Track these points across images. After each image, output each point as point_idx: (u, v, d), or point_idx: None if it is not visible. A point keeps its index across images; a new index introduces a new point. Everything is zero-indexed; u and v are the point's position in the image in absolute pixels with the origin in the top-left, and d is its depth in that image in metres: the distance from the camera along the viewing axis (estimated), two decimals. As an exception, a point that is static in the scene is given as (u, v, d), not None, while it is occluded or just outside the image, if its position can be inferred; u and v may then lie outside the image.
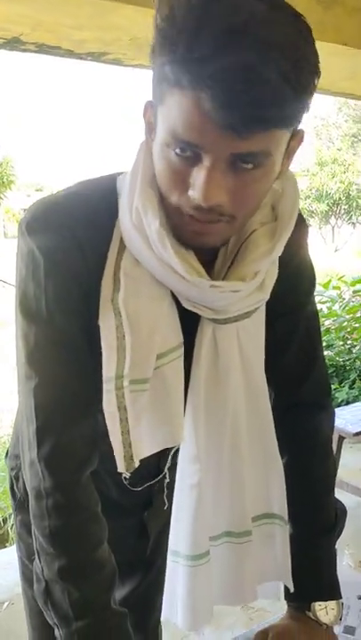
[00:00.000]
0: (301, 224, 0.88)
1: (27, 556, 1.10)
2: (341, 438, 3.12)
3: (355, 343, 5.06)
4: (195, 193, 0.69)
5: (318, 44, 2.45)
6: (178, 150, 0.69)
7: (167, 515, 1.08)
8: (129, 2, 2.17)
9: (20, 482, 1.08)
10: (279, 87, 0.64)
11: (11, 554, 2.75)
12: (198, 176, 0.68)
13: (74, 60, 2.94)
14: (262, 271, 0.81)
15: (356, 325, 5.03)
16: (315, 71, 0.69)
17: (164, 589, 0.92)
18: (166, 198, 0.74)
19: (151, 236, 0.76)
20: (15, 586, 2.43)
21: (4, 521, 3.20)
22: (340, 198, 24.21)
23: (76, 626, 0.76)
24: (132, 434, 0.79)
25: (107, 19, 2.32)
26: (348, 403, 4.30)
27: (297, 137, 0.75)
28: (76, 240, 0.79)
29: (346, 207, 24.82)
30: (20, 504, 1.08)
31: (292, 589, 0.92)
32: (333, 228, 27.06)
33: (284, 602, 0.97)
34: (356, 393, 4.53)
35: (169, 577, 0.91)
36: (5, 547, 3.14)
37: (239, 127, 0.64)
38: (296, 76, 0.65)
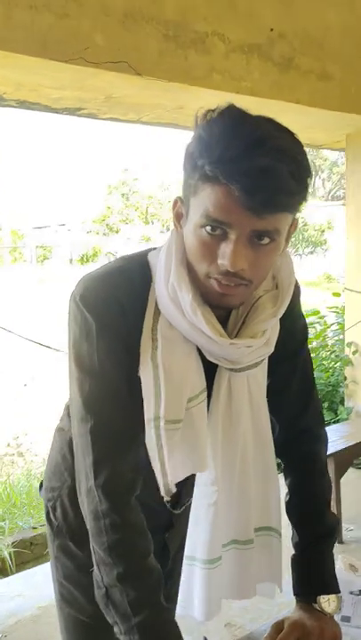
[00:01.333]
0: (296, 287, 1.09)
1: (63, 577, 1.22)
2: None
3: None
4: (224, 261, 0.88)
5: (275, 103, 2.73)
6: (209, 229, 0.88)
7: (183, 535, 1.26)
8: (110, 68, 2.38)
9: (57, 511, 1.21)
10: (288, 182, 0.86)
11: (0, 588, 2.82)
12: (226, 248, 0.87)
13: (49, 114, 3.13)
14: (268, 330, 1.00)
15: (312, 356, 5.30)
16: (309, 172, 0.90)
17: (180, 589, 1.08)
18: (197, 270, 0.93)
19: (184, 306, 0.94)
20: (8, 618, 2.50)
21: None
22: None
23: (134, 621, 0.91)
24: (168, 463, 0.97)
25: (87, 82, 2.53)
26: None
27: (294, 223, 0.97)
28: (120, 307, 0.97)
29: (293, 240, 25.65)
30: (58, 530, 1.21)
31: (282, 591, 1.10)
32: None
33: (276, 601, 1.14)
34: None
35: (185, 578, 1.07)
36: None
37: (259, 209, 0.85)
38: (299, 175, 0.87)
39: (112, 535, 0.94)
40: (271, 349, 1.04)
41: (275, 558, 1.11)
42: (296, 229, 0.98)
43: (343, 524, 3.01)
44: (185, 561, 1.07)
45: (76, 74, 2.39)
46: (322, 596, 1.06)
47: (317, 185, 32.27)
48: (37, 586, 2.73)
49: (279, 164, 0.84)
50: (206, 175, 0.86)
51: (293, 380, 1.15)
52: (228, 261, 0.88)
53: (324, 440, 1.20)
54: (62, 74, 2.42)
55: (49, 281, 15.44)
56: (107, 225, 24.06)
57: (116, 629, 0.94)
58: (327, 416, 4.47)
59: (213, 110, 0.89)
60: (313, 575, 1.09)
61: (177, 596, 1.22)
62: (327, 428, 3.46)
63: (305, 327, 1.18)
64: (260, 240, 0.89)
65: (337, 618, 1.08)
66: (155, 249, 1.04)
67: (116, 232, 23.43)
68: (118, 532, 0.95)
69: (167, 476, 0.98)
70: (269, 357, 1.07)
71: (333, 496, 3.07)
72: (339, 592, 1.08)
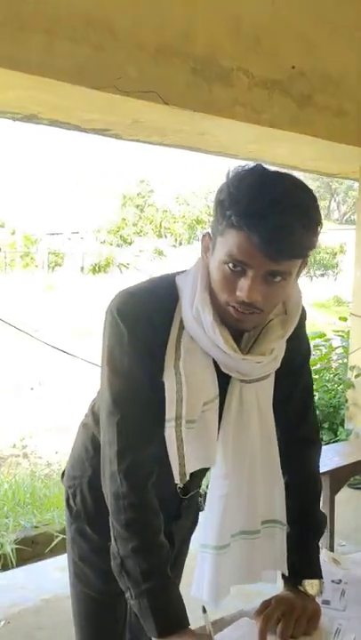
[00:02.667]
0: (302, 312, 1.25)
1: (78, 557, 1.38)
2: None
3: (315, 393, 5.42)
4: (241, 293, 1.05)
5: (293, 135, 2.90)
6: (231, 266, 1.06)
7: (188, 529, 1.41)
8: (140, 97, 2.55)
9: (77, 497, 1.37)
10: (302, 236, 1.03)
11: (2, 579, 2.95)
12: (244, 283, 1.05)
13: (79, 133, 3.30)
14: (277, 348, 1.18)
15: (316, 377, 5.44)
16: (320, 223, 1.07)
17: (194, 576, 1.23)
18: (219, 297, 1.10)
19: (206, 325, 1.11)
20: (10, 607, 2.63)
21: (1, 546, 3.37)
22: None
23: (144, 587, 1.06)
24: (185, 456, 1.14)
25: (117, 107, 2.71)
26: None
27: (304, 262, 1.13)
28: (149, 321, 1.14)
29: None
30: (77, 514, 1.37)
31: (287, 574, 1.24)
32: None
33: (278, 586, 1.29)
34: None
35: (198, 564, 1.21)
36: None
37: (275, 256, 1.03)
38: (311, 228, 1.05)
39: (129, 513, 1.10)
40: (278, 365, 1.20)
41: (279, 548, 1.25)
42: (306, 266, 1.14)
43: (336, 540, 3.13)
44: (199, 549, 1.22)
45: (107, 100, 2.57)
46: (307, 581, 1.21)
47: (332, 207, 32.49)
48: (40, 579, 2.87)
49: (295, 222, 1.01)
50: (232, 223, 1.03)
51: (296, 392, 1.31)
52: (245, 294, 1.05)
53: (318, 447, 1.37)
54: (95, 100, 2.59)
55: (59, 288, 15.64)
56: (120, 236, 24.26)
57: (127, 594, 1.09)
58: (326, 436, 4.60)
59: (243, 167, 1.06)
60: (300, 563, 1.23)
61: (177, 584, 1.38)
62: (325, 447, 3.63)
63: (308, 348, 1.36)
64: (273, 278, 1.06)
65: (318, 601, 1.22)
66: (182, 272, 1.20)
67: (130, 244, 23.62)
68: (135, 512, 1.10)
69: (185, 466, 1.14)
70: (277, 372, 1.23)
71: (327, 513, 3.19)
72: (321, 578, 1.23)
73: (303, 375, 1.32)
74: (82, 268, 23.02)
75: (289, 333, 1.18)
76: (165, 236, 24.09)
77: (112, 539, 1.11)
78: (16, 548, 3.44)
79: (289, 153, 3.48)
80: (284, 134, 3.03)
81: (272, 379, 1.22)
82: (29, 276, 19.53)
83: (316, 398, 5.36)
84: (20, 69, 2.25)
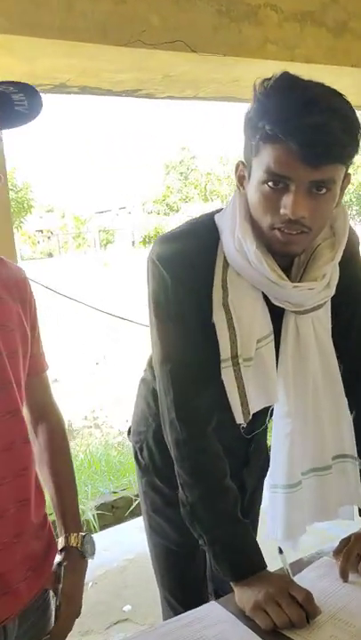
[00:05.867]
0: (353, 237, 1.19)
1: (152, 510, 1.39)
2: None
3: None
4: (286, 210, 0.99)
5: (330, 68, 2.75)
6: (271, 183, 1.00)
7: (259, 472, 1.38)
8: (166, 48, 2.48)
9: (144, 452, 1.37)
10: (340, 136, 0.97)
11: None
12: (288, 199, 0.99)
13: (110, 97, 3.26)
14: (328, 273, 1.11)
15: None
16: (359, 128, 0.99)
17: (268, 518, 1.21)
18: (262, 223, 1.04)
19: (250, 256, 1.06)
20: (96, 569, 2.72)
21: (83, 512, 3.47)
22: (351, 200, 24.44)
23: (217, 532, 1.06)
24: (248, 395, 1.10)
25: (145, 63, 2.64)
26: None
27: (347, 177, 1.07)
28: (191, 264, 1.10)
29: (357, 208, 25.05)
30: (146, 468, 1.38)
31: None
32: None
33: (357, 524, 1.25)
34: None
35: (271, 505, 1.19)
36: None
37: (315, 162, 0.96)
38: (350, 130, 0.98)
39: (193, 460, 1.08)
40: (332, 292, 1.14)
41: (353, 482, 1.22)
42: (349, 183, 1.07)
43: None
44: (269, 490, 1.20)
45: (134, 56, 2.50)
46: None
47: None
48: (122, 541, 2.95)
49: (331, 121, 0.95)
50: (267, 135, 0.97)
51: (356, 322, 1.25)
52: (290, 210, 0.99)
53: None
54: (121, 57, 2.53)
55: (113, 264, 15.80)
56: (167, 205, 24.18)
57: (200, 542, 1.07)
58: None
59: (269, 79, 1.00)
60: None
61: (254, 529, 1.36)
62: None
63: None
64: (318, 190, 1.00)
65: None
66: (220, 210, 1.15)
67: (177, 211, 23.53)
68: (198, 457, 1.09)
69: (248, 405, 1.10)
70: (333, 302, 1.17)
71: None
72: None
73: None
74: (133, 242, 23.12)
75: (339, 256, 1.12)
76: (212, 199, 23.82)
77: (179, 487, 1.10)
78: (97, 514, 3.55)
79: (329, 88, 3.31)
80: (321, 68, 2.88)
81: (328, 308, 1.16)
82: (83, 255, 19.79)
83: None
84: (43, 35, 2.21)
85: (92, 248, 25.06)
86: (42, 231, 30.48)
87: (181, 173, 24.87)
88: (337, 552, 1.13)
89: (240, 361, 1.10)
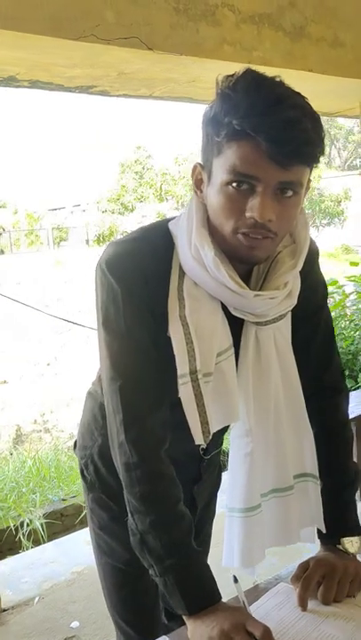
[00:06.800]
0: (313, 246, 1.14)
1: (99, 527, 1.31)
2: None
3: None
4: (253, 212, 0.93)
5: (287, 71, 2.74)
6: (235, 184, 0.93)
7: (211, 490, 1.32)
8: (121, 44, 2.39)
9: (89, 468, 1.29)
10: (311, 135, 0.92)
11: (32, 556, 2.94)
12: (255, 201, 0.93)
13: (62, 93, 3.15)
14: (290, 282, 1.06)
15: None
16: (324, 130, 0.96)
17: (224, 542, 1.15)
18: (224, 228, 0.97)
19: (208, 264, 0.99)
20: (43, 582, 2.62)
21: (17, 529, 3.37)
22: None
23: (168, 563, 0.98)
24: (208, 414, 1.03)
25: (99, 59, 2.55)
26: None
27: (309, 184, 1.02)
28: (144, 273, 1.02)
29: (309, 211, 25.47)
30: (91, 485, 1.30)
31: (324, 531, 1.15)
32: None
33: (290, 552, 1.21)
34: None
35: (227, 529, 1.13)
36: (18, 552, 3.29)
37: (285, 161, 0.91)
38: (319, 130, 0.94)
39: (143, 485, 1.01)
40: (294, 302, 1.09)
41: (314, 503, 1.16)
42: (309, 190, 1.02)
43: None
44: (227, 513, 1.13)
45: (87, 51, 2.41)
46: (345, 538, 1.13)
47: (333, 155, 31.78)
48: (70, 552, 2.85)
49: (303, 118, 0.91)
50: (233, 131, 0.91)
51: (317, 336, 1.20)
52: (258, 212, 0.93)
53: (345, 394, 1.26)
54: (74, 52, 2.43)
55: (66, 263, 15.54)
56: (122, 204, 24.01)
57: (151, 572, 1.00)
58: (348, 384, 4.52)
59: (233, 75, 0.95)
60: (336, 519, 1.15)
61: (205, 551, 1.29)
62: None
63: (325, 285, 1.24)
64: (284, 194, 0.95)
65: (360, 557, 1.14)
66: (174, 218, 1.08)
67: (131, 210, 23.40)
68: (149, 483, 1.01)
69: (208, 424, 1.03)
70: (294, 315, 1.12)
71: (354, 460, 3.13)
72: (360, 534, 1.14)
73: (323, 317, 1.21)
74: (87, 241, 22.85)
75: (301, 264, 1.06)
76: (167, 199, 23.79)
77: (129, 514, 1.02)
78: (45, 523, 3.44)
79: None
80: (277, 71, 2.82)
81: (289, 319, 1.11)
82: (35, 253, 19.45)
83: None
84: (-10, 25, 2.10)
85: (46, 246, 24.62)
86: (-7, 227, 29.78)
87: (137, 172, 24.72)
88: (295, 578, 1.08)
89: (199, 376, 1.02)
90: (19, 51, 2.41)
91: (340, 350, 4.92)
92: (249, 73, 0.95)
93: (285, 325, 1.11)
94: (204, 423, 1.03)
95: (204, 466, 1.27)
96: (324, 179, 24.27)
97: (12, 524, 3.32)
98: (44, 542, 3.29)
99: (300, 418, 1.15)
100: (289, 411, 1.13)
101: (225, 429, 1.18)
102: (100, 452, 1.26)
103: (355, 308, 5.39)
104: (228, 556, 1.13)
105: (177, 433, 1.04)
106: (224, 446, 1.36)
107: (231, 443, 1.13)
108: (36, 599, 2.50)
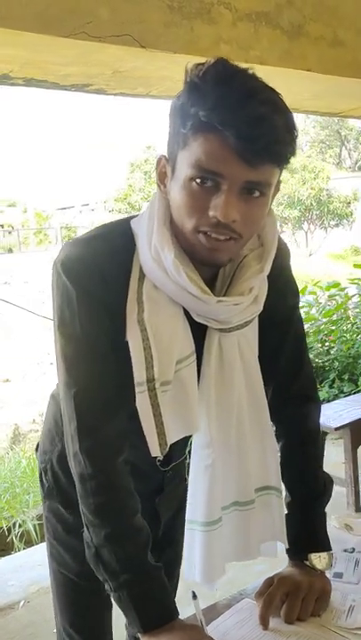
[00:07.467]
0: (283, 248, 1.09)
1: (53, 537, 1.28)
2: (325, 434, 3.33)
3: (332, 345, 5.30)
4: (216, 212, 0.88)
5: (285, 71, 2.68)
6: (199, 181, 0.89)
7: (177, 503, 1.28)
8: (114, 42, 2.36)
9: (48, 474, 1.26)
10: (283, 133, 0.88)
11: (21, 558, 2.91)
12: (218, 199, 0.88)
13: (58, 91, 3.12)
14: (256, 287, 1.01)
15: (333, 328, 5.28)
16: (297, 128, 0.91)
17: (184, 555, 1.11)
18: (185, 225, 0.92)
19: (168, 266, 0.95)
20: (30, 586, 2.59)
21: (9, 530, 3.35)
22: (311, 204, 24.67)
23: (123, 578, 0.94)
24: (165, 424, 0.98)
25: (92, 56, 2.51)
26: (328, 401, 4.51)
27: (278, 185, 0.97)
28: (100, 273, 0.97)
29: (317, 212, 25.29)
30: (49, 492, 1.26)
31: (286, 546, 1.11)
32: (307, 233, 27.50)
33: (279, 561, 1.16)
34: (336, 392, 4.76)
35: (187, 543, 1.09)
36: (10, 554, 3.28)
37: (253, 159, 0.86)
38: (291, 128, 0.90)
39: (98, 497, 0.97)
40: (260, 308, 1.03)
41: (276, 517, 1.12)
42: (278, 192, 0.98)
43: None
44: (187, 525, 1.09)
45: (80, 49, 2.37)
46: (313, 554, 1.09)
47: (343, 156, 31.63)
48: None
49: (274, 115, 0.86)
50: (200, 123, 0.86)
51: (287, 343, 1.15)
52: (221, 212, 0.88)
53: (316, 402, 1.21)
54: (66, 50, 2.40)
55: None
56: (128, 203, 24.02)
57: (106, 586, 0.97)
58: (347, 387, 4.47)
59: (203, 64, 0.90)
60: (304, 534, 1.11)
61: (176, 562, 1.25)
62: (346, 399, 3.47)
63: (296, 290, 1.19)
64: (251, 194, 0.90)
65: (330, 574, 1.10)
66: (137, 216, 1.05)
67: (138, 210, 23.40)
68: (104, 494, 0.97)
69: (165, 436, 0.99)
70: (261, 321, 1.07)
71: (350, 465, 3.08)
72: (330, 549, 1.10)
73: (293, 323, 1.16)
74: (95, 240, 22.83)
75: (268, 268, 1.02)
76: (175, 200, 23.76)
77: (84, 526, 0.99)
78: (38, 524, 3.42)
79: (284, 92, 3.24)
80: (275, 70, 2.80)
81: (255, 327, 1.06)
82: (44, 252, 19.49)
83: (334, 349, 5.24)
84: (-22, 22, 2.07)
85: (54, 244, 24.66)
86: (2, 226, 29.88)
87: (146, 172, 24.68)
88: (258, 594, 1.04)
89: (157, 385, 0.98)
90: (9, 48, 2.38)
91: (341, 353, 4.88)
92: (220, 62, 0.91)
93: (251, 332, 1.07)
94: (161, 434, 0.99)
95: (169, 477, 1.23)
96: (334, 179, 24.15)
97: (4, 525, 3.30)
98: (37, 544, 3.27)
99: (264, 429, 1.10)
100: (253, 421, 1.09)
101: (188, 440, 1.14)
102: (58, 459, 1.22)
103: (357, 310, 5.33)
104: (189, 570, 1.09)
105: (138, 440, 1.00)
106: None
107: (193, 453, 1.09)
108: (21, 603, 2.47)
